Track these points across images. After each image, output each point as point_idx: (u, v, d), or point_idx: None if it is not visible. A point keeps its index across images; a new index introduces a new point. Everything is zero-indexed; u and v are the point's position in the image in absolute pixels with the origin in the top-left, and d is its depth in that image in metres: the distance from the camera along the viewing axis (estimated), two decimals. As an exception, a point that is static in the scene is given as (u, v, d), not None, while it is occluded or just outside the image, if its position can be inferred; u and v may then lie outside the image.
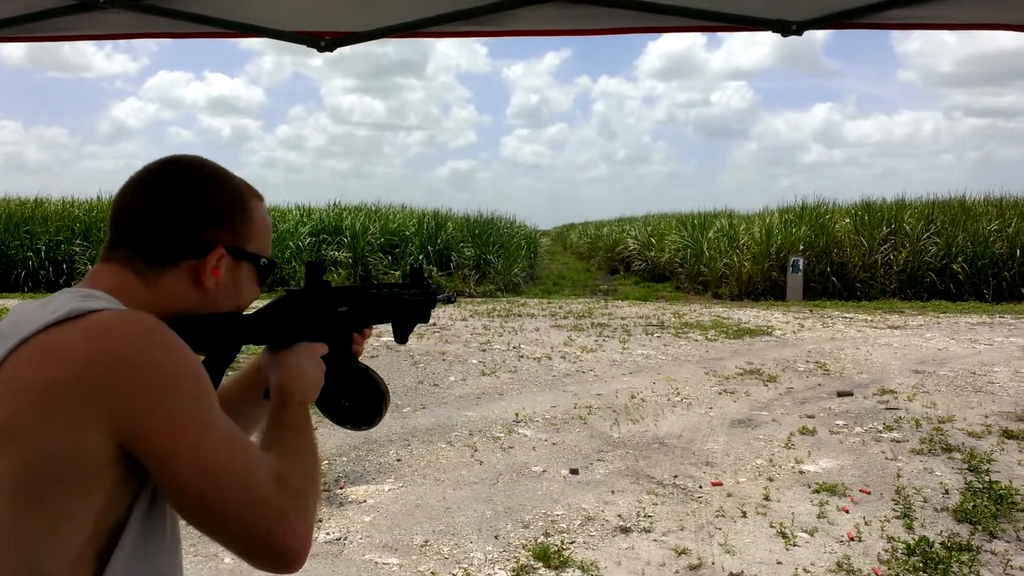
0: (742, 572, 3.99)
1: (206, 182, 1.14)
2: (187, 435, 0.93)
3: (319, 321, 1.29)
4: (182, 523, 1.07)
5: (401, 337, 1.43)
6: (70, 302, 0.98)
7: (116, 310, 0.99)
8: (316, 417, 1.29)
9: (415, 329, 1.44)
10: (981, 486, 5.18)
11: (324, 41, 1.97)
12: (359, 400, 1.37)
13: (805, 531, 4.52)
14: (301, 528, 0.99)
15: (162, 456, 0.92)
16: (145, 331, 0.96)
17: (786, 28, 1.77)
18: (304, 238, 19.63)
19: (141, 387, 0.92)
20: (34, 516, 0.89)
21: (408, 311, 1.41)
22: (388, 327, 1.42)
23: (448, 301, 1.51)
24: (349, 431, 1.42)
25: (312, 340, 1.27)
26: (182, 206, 1.10)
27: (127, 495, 0.95)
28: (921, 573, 3.99)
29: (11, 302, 15.05)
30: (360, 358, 1.38)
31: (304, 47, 2.02)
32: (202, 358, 1.10)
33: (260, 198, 1.21)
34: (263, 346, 1.28)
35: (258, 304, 1.26)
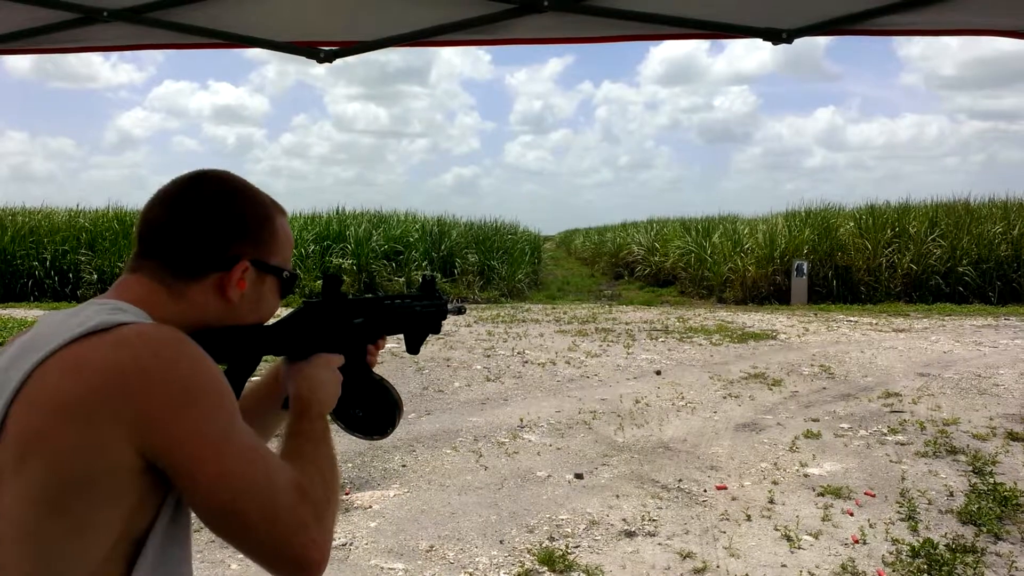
0: (747, 575, 3.99)
1: (233, 196, 1.17)
2: (210, 447, 0.95)
3: (336, 332, 1.31)
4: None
5: (413, 348, 1.45)
6: (99, 314, 1.00)
7: (142, 324, 1.01)
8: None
9: None
10: (986, 488, 5.17)
11: (323, 52, 1.99)
12: (373, 410, 1.39)
13: (810, 534, 4.52)
14: (320, 538, 1.01)
15: (185, 468, 0.95)
16: (170, 345, 0.98)
17: (776, 36, 1.79)
18: (308, 245, 19.67)
19: (166, 400, 0.94)
20: (58, 525, 0.91)
21: (420, 322, 1.43)
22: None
23: (459, 312, 1.53)
24: (361, 440, 1.44)
25: (329, 351, 1.29)
26: (210, 220, 1.13)
27: (151, 505, 0.97)
28: (926, 575, 3.99)
29: (17, 312, 15.11)
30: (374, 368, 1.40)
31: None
32: (224, 368, 1.13)
33: (283, 212, 1.24)
34: (281, 356, 1.30)
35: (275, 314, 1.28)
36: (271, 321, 1.26)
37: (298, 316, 1.29)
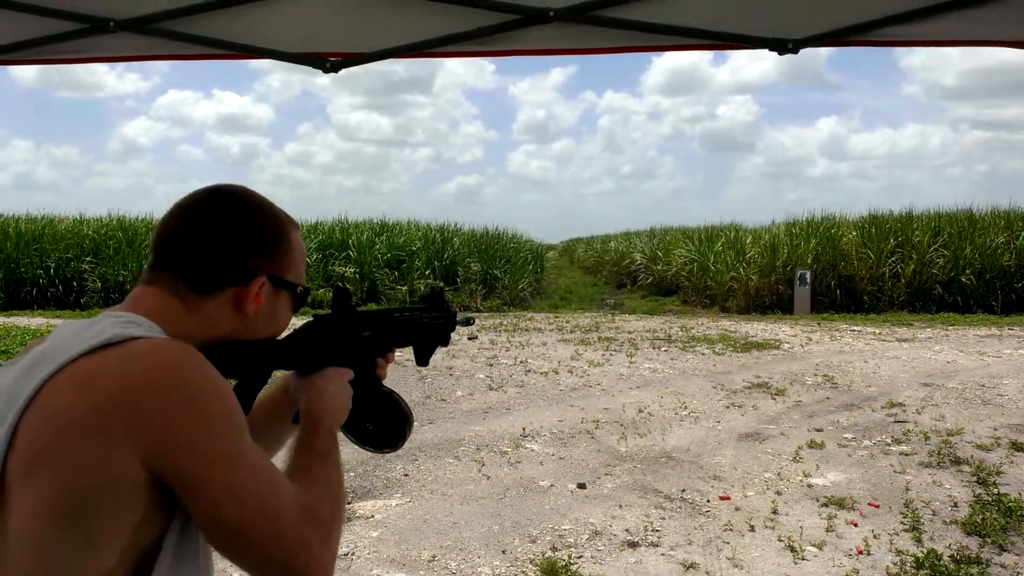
0: (750, 586, 3.98)
1: (251, 211, 1.17)
2: (217, 465, 0.95)
3: (345, 346, 1.31)
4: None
5: (422, 360, 1.45)
6: (113, 327, 1.00)
7: (154, 339, 1.01)
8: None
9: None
10: (990, 499, 5.15)
11: (330, 62, 2.00)
12: (383, 423, 1.39)
13: (813, 545, 4.50)
14: (324, 557, 1.01)
15: (192, 483, 0.95)
16: (180, 361, 0.98)
17: (782, 46, 1.79)
18: (312, 253, 19.69)
19: (174, 417, 0.94)
20: (68, 538, 0.91)
21: (430, 335, 1.43)
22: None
23: (467, 324, 1.53)
24: (371, 452, 1.44)
25: (339, 364, 1.28)
26: (229, 234, 1.13)
27: (160, 520, 0.97)
28: (930, 587, 3.97)
29: (21, 320, 15.12)
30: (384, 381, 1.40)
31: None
32: (233, 383, 1.13)
33: (296, 227, 1.24)
34: (291, 370, 1.30)
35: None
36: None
37: (308, 330, 1.29)
